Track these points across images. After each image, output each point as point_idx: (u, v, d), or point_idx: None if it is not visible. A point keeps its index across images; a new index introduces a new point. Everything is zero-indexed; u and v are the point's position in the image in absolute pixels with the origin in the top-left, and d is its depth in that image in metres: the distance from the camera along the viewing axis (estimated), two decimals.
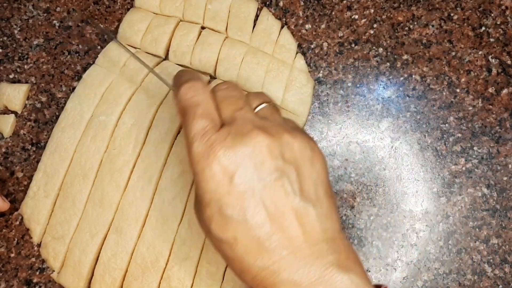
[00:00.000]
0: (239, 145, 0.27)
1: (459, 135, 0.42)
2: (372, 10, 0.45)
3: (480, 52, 0.43)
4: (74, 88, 0.44)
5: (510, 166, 0.41)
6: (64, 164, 0.42)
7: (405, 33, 0.44)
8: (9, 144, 0.44)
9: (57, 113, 0.44)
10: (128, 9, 0.46)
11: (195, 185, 0.28)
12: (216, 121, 0.29)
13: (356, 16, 0.45)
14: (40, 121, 0.44)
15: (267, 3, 0.45)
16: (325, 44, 0.44)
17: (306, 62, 0.44)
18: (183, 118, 0.29)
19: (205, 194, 0.27)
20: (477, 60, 0.43)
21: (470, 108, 0.43)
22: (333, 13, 0.45)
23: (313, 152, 0.29)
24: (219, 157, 0.26)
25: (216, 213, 0.27)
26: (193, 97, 0.29)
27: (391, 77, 0.43)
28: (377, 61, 0.44)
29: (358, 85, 0.43)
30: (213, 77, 0.44)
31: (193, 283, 0.39)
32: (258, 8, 0.45)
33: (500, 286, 0.39)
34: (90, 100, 0.43)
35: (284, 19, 0.45)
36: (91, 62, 0.45)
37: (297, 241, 0.26)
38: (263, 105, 0.31)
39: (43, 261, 0.41)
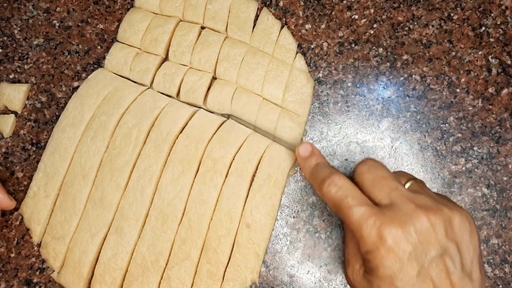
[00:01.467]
0: (408, 225, 0.29)
1: (459, 135, 0.42)
2: (372, 10, 0.45)
3: (480, 52, 0.43)
4: (74, 88, 0.44)
5: (510, 166, 0.41)
6: (64, 164, 0.42)
7: (405, 33, 0.44)
8: (9, 144, 0.44)
9: (57, 113, 0.44)
10: (128, 9, 0.46)
11: (358, 257, 0.32)
12: (371, 205, 0.31)
13: (356, 16, 0.45)
14: (40, 121, 0.44)
15: (267, 3, 0.45)
16: (325, 44, 0.44)
17: (306, 62, 0.44)
18: (340, 214, 0.32)
19: (378, 268, 0.29)
20: (477, 60, 0.43)
21: (470, 108, 0.42)
22: (333, 13, 0.45)
23: (471, 226, 0.31)
24: (392, 235, 0.29)
25: (387, 284, 0.29)
26: (338, 191, 0.32)
27: (391, 77, 0.43)
28: (377, 61, 0.44)
29: (358, 85, 0.43)
30: (214, 78, 0.44)
31: (193, 283, 0.39)
32: (258, 8, 0.45)
33: (500, 286, 0.39)
34: (92, 101, 0.43)
35: (284, 19, 0.45)
36: (91, 62, 0.45)
37: None
38: (410, 182, 0.34)
39: (43, 261, 0.41)
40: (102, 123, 0.42)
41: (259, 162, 0.41)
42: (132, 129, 0.41)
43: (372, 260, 0.30)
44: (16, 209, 0.42)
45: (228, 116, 0.42)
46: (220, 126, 0.42)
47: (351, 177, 0.34)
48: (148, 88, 0.44)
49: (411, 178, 0.34)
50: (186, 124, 0.42)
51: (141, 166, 0.41)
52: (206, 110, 0.43)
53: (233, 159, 0.41)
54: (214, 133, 0.41)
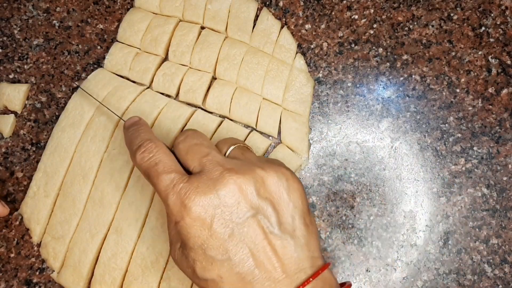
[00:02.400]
0: (213, 190, 0.28)
1: (459, 135, 0.42)
2: (372, 10, 0.45)
3: (480, 52, 0.43)
4: (74, 88, 0.44)
5: (510, 166, 0.41)
6: (64, 164, 0.42)
7: (405, 33, 0.44)
8: (9, 144, 0.44)
9: (57, 113, 0.44)
10: (128, 9, 0.46)
11: (175, 233, 0.30)
12: (181, 172, 0.30)
13: (356, 16, 0.45)
14: (40, 121, 0.44)
15: (267, 3, 0.45)
16: (325, 44, 0.44)
17: (306, 62, 0.44)
18: (150, 181, 0.31)
19: (188, 239, 0.28)
20: (477, 60, 0.43)
21: (470, 108, 0.43)
22: (333, 13, 0.45)
23: (288, 183, 0.30)
24: (196, 204, 0.28)
25: (200, 255, 0.28)
26: (150, 158, 0.31)
27: (391, 77, 0.43)
28: (377, 61, 0.44)
29: (358, 85, 0.43)
30: (214, 78, 0.44)
31: (193, 283, 0.39)
32: (258, 8, 0.45)
33: (500, 286, 0.39)
34: (92, 100, 0.43)
35: (284, 19, 0.45)
36: (91, 62, 0.45)
37: (277, 272, 0.28)
38: (232, 147, 0.33)
39: (43, 261, 0.41)
40: (102, 123, 0.42)
41: None
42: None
43: (181, 231, 0.28)
44: (16, 209, 0.42)
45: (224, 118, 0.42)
46: (219, 126, 0.42)
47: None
48: (147, 87, 0.44)
49: (233, 143, 0.33)
50: (186, 124, 0.42)
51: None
52: (205, 111, 0.43)
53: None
54: (214, 132, 0.41)
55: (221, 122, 0.42)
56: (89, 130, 0.42)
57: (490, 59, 0.43)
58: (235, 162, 0.30)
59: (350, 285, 0.32)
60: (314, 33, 0.45)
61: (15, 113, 0.44)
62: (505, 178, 0.41)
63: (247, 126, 0.42)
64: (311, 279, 0.28)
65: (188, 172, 0.31)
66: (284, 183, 0.30)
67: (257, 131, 0.42)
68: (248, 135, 0.42)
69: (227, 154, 0.32)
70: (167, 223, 0.31)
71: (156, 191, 0.30)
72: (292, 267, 0.28)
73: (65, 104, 0.44)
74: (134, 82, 0.44)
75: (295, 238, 0.29)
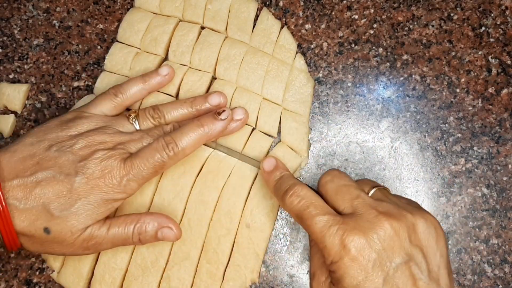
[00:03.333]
0: (371, 232, 0.29)
1: (459, 135, 0.42)
2: (372, 10, 0.45)
3: (480, 52, 0.43)
4: (74, 88, 0.44)
5: (510, 166, 0.41)
6: None
7: (405, 33, 0.44)
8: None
9: (57, 113, 0.44)
10: (128, 9, 0.46)
11: (324, 269, 0.31)
12: (334, 214, 0.31)
13: (356, 16, 0.45)
14: (40, 121, 0.44)
15: (267, 3, 0.45)
16: (325, 44, 0.44)
17: (306, 62, 0.44)
18: (303, 223, 0.32)
19: (344, 279, 0.29)
20: (477, 60, 0.43)
21: (470, 108, 0.43)
22: (333, 13, 0.45)
23: (436, 231, 0.31)
24: (356, 245, 0.29)
25: None
26: (300, 202, 0.32)
27: (391, 77, 0.43)
28: (377, 61, 0.44)
29: (358, 85, 0.43)
30: (213, 78, 0.44)
31: (193, 283, 0.39)
32: (258, 8, 0.45)
33: (500, 286, 0.39)
34: None
35: (284, 19, 0.45)
36: (91, 62, 0.45)
37: None
38: (374, 189, 0.34)
39: (43, 261, 0.41)
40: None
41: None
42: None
43: (337, 270, 0.29)
44: None
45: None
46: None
47: (318, 190, 0.34)
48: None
49: (374, 185, 0.34)
50: None
51: None
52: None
53: (237, 161, 0.41)
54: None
55: None
56: None
57: (490, 59, 0.43)
58: (386, 206, 0.31)
59: None
60: (314, 33, 0.45)
61: (15, 113, 0.44)
62: (505, 178, 0.41)
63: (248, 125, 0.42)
64: None
65: (337, 213, 0.31)
66: (432, 231, 0.30)
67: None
68: (250, 133, 0.42)
69: (370, 195, 0.33)
70: (312, 254, 0.33)
71: (310, 233, 0.31)
72: None
73: (65, 104, 0.44)
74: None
75: (440, 287, 0.30)
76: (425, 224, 0.30)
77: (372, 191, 0.33)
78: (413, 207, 0.32)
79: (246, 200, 0.40)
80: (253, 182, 0.40)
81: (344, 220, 0.30)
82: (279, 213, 0.41)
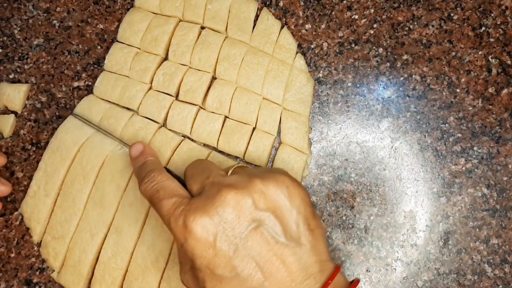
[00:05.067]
0: (211, 208, 0.28)
1: (459, 135, 0.42)
2: (372, 10, 0.45)
3: (480, 52, 0.43)
4: (74, 88, 0.44)
5: (510, 166, 0.41)
6: (65, 164, 0.42)
7: (405, 33, 0.44)
8: (9, 144, 0.44)
9: (57, 113, 0.44)
10: (128, 9, 0.46)
11: (183, 255, 0.30)
12: (182, 196, 0.30)
13: (356, 16, 0.45)
14: (40, 121, 0.44)
15: (267, 3, 0.45)
16: (325, 44, 0.44)
17: (306, 62, 0.44)
18: (154, 208, 0.31)
19: (194, 260, 0.28)
20: (477, 60, 0.43)
21: (470, 108, 0.42)
22: (333, 13, 0.45)
23: (289, 189, 0.30)
24: (197, 224, 0.28)
25: (208, 275, 0.28)
26: (152, 186, 0.32)
27: (391, 77, 0.43)
28: (377, 61, 0.44)
29: (358, 85, 0.43)
30: (214, 78, 0.44)
31: None
32: (258, 8, 0.45)
33: (500, 286, 0.39)
34: (101, 106, 0.43)
35: (284, 19, 0.45)
36: (91, 62, 0.45)
37: (286, 282, 0.28)
38: (233, 167, 0.33)
39: (43, 261, 0.41)
40: (111, 125, 0.42)
41: (268, 162, 0.41)
42: (139, 131, 0.42)
43: (186, 253, 0.29)
44: (16, 208, 0.42)
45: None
46: (223, 124, 0.42)
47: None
48: (150, 87, 0.44)
49: (235, 165, 0.34)
50: (193, 123, 0.42)
51: None
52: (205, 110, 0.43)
53: (239, 162, 0.41)
54: (220, 132, 0.41)
55: (224, 120, 0.42)
56: (96, 133, 0.42)
57: (490, 59, 0.43)
58: (233, 178, 0.30)
59: (359, 281, 0.31)
60: (314, 33, 0.45)
61: (15, 113, 0.44)
62: (505, 178, 0.41)
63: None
64: None
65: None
66: (284, 190, 0.30)
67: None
68: (252, 132, 0.42)
69: (229, 173, 0.33)
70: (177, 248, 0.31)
71: (160, 217, 0.31)
72: (300, 274, 0.28)
73: (65, 104, 0.44)
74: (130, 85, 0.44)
75: (301, 245, 0.29)
76: (275, 185, 0.29)
77: (230, 170, 0.33)
78: (269, 173, 0.31)
79: None
80: None
81: (190, 201, 0.29)
82: None
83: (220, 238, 0.28)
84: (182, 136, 0.43)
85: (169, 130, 0.42)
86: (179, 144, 0.42)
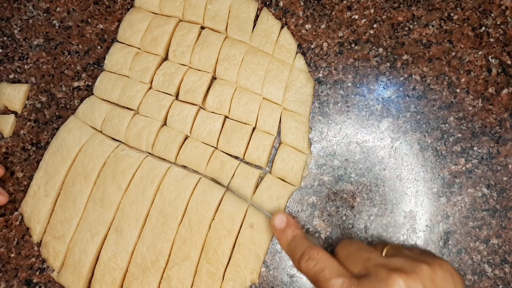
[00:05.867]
0: None
1: (459, 135, 0.42)
2: (372, 10, 0.45)
3: (480, 52, 0.43)
4: (74, 88, 0.44)
5: (510, 166, 0.41)
6: (65, 164, 0.42)
7: (405, 33, 0.44)
8: (9, 144, 0.44)
9: (57, 113, 0.44)
10: (128, 9, 0.46)
11: None
12: (349, 276, 0.31)
13: (356, 16, 0.45)
14: (40, 121, 0.44)
15: (267, 3, 0.45)
16: (325, 44, 0.44)
17: (306, 62, 0.44)
18: (317, 285, 0.32)
19: None
20: (477, 60, 0.43)
21: (470, 108, 0.42)
22: (333, 13, 0.45)
23: (453, 277, 0.31)
24: None
25: None
26: (315, 265, 0.32)
27: (391, 77, 0.43)
28: (377, 61, 0.44)
29: (358, 85, 0.43)
30: (213, 78, 0.44)
31: (193, 283, 0.39)
32: (258, 8, 0.45)
33: (500, 286, 0.39)
34: (102, 107, 0.43)
35: (284, 19, 0.45)
36: (91, 62, 0.45)
37: None
38: (386, 248, 0.34)
39: (43, 261, 0.41)
40: (115, 127, 0.42)
41: (268, 162, 0.41)
42: (142, 131, 0.42)
43: None
44: (16, 208, 0.42)
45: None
46: (223, 124, 0.42)
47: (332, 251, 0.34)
48: (150, 87, 0.44)
49: (386, 244, 0.35)
50: (193, 123, 0.42)
51: (146, 167, 0.41)
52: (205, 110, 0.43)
53: (240, 161, 0.41)
54: (220, 132, 0.41)
55: (224, 120, 0.42)
56: (98, 134, 0.42)
57: (490, 59, 0.43)
58: (397, 261, 0.31)
59: None
60: (314, 33, 0.45)
61: (15, 113, 0.44)
62: (505, 178, 0.41)
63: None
64: None
65: None
66: (449, 278, 0.31)
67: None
68: (252, 132, 0.42)
69: (383, 254, 0.33)
70: None
71: None
72: None
73: (65, 104, 0.44)
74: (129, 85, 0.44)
75: None
76: (441, 272, 0.30)
77: (384, 250, 0.34)
78: (428, 256, 0.32)
79: (252, 198, 0.40)
80: (257, 183, 0.41)
81: (359, 281, 0.30)
82: None
83: None
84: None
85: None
86: (184, 141, 0.42)
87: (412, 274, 0.30)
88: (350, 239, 0.35)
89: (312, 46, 0.44)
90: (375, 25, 0.44)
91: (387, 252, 0.34)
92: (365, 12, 0.45)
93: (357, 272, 0.31)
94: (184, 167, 0.42)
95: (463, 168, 0.41)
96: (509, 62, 0.43)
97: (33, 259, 0.41)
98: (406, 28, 0.44)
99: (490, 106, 0.42)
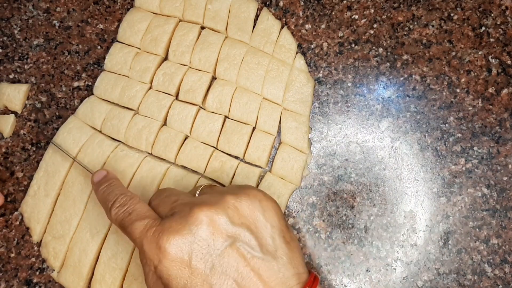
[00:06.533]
0: (185, 227, 0.28)
1: (459, 135, 0.42)
2: (372, 10, 0.45)
3: (480, 52, 0.43)
4: (74, 88, 0.44)
5: (510, 166, 0.41)
6: (66, 164, 0.42)
7: (405, 33, 0.44)
8: (9, 144, 0.44)
9: (57, 113, 0.44)
10: (128, 9, 0.46)
11: (155, 279, 0.29)
12: (154, 217, 0.30)
13: (356, 16, 0.45)
14: (40, 121, 0.44)
15: (267, 3, 0.45)
16: (325, 44, 0.44)
17: (306, 62, 0.44)
18: (125, 232, 0.30)
19: (170, 282, 0.28)
20: (477, 60, 0.43)
21: (470, 108, 0.43)
22: (333, 13, 0.45)
23: (261, 204, 0.30)
24: (171, 243, 0.28)
25: None
26: (124, 210, 0.31)
27: (391, 77, 0.43)
28: (377, 61, 0.44)
29: (358, 85, 0.43)
30: (213, 78, 0.44)
31: None
32: (258, 8, 0.45)
33: (500, 286, 0.39)
34: (102, 107, 0.43)
35: (284, 19, 0.45)
36: (91, 62, 0.45)
37: None
38: (200, 188, 0.33)
39: (43, 261, 0.41)
40: (114, 127, 0.42)
41: (268, 161, 0.41)
42: (141, 131, 0.42)
43: (161, 275, 0.28)
44: (16, 208, 0.42)
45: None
46: (223, 124, 0.42)
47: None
48: (150, 87, 0.44)
49: (202, 186, 0.34)
50: (193, 124, 0.42)
51: (146, 167, 0.41)
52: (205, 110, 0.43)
53: (239, 161, 0.41)
54: (220, 132, 0.41)
55: (224, 120, 0.42)
56: (97, 134, 0.42)
57: (490, 59, 0.43)
58: (204, 197, 0.30)
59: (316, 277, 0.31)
60: (314, 33, 0.45)
61: (15, 113, 0.44)
62: (505, 178, 0.41)
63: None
64: None
65: None
66: (257, 205, 0.30)
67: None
68: (252, 132, 0.42)
69: (197, 194, 0.33)
70: (144, 273, 0.30)
71: (132, 241, 0.30)
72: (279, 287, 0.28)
73: (66, 104, 0.44)
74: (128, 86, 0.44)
75: (278, 258, 0.29)
76: (248, 200, 0.29)
77: (198, 191, 0.33)
78: (240, 189, 0.31)
79: None
80: (258, 182, 0.41)
81: (162, 221, 0.29)
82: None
83: (196, 256, 0.28)
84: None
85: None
86: (183, 141, 0.42)
87: (213, 205, 0.29)
88: (165, 188, 0.34)
89: (312, 46, 0.44)
90: (375, 25, 0.44)
91: (201, 192, 0.33)
92: (365, 12, 0.45)
93: (165, 214, 0.30)
94: (184, 167, 0.42)
95: (463, 168, 0.41)
96: (509, 62, 0.43)
97: (33, 259, 0.41)
98: (406, 28, 0.44)
99: (490, 106, 0.42)
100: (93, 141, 0.42)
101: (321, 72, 0.44)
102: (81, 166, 0.41)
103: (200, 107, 0.43)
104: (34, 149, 0.43)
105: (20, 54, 0.45)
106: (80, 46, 0.45)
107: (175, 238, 0.28)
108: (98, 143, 0.42)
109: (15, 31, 0.46)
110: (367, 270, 0.40)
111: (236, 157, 0.42)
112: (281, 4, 0.45)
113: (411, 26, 0.44)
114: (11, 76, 0.45)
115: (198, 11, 0.44)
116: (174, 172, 0.41)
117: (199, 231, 0.28)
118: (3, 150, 0.43)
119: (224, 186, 0.34)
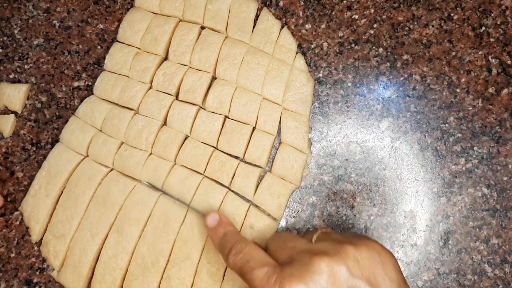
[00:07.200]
0: (306, 275, 0.28)
1: (459, 135, 0.42)
2: (372, 10, 0.45)
3: (480, 52, 0.43)
4: (74, 88, 0.44)
5: (510, 166, 0.41)
6: (69, 166, 0.42)
7: (405, 33, 0.44)
8: (9, 144, 0.44)
9: (57, 113, 0.44)
10: (128, 9, 0.46)
11: None
12: (273, 264, 0.30)
13: (356, 16, 0.45)
14: (40, 121, 0.44)
15: (267, 3, 0.45)
16: (325, 44, 0.44)
17: (306, 62, 0.44)
18: (245, 279, 0.31)
19: None
20: (477, 60, 0.43)
21: (470, 108, 0.43)
22: (333, 13, 0.45)
23: (381, 256, 0.30)
24: None
25: None
26: (241, 257, 0.32)
27: (391, 77, 0.43)
28: (377, 61, 0.44)
29: (358, 85, 0.43)
30: (213, 77, 0.44)
31: (193, 283, 0.39)
32: (258, 8, 0.45)
33: (500, 286, 0.39)
34: (103, 106, 0.43)
35: (284, 19, 0.45)
36: (91, 62, 0.45)
37: None
38: (317, 234, 0.33)
39: (43, 261, 0.41)
40: (114, 126, 0.42)
41: (268, 161, 0.41)
42: (142, 130, 0.42)
43: None
44: (16, 208, 0.42)
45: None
46: (223, 124, 0.42)
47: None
48: (150, 87, 0.44)
49: (318, 231, 0.34)
50: (193, 122, 0.42)
51: (151, 166, 0.41)
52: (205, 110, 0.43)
53: (240, 161, 0.41)
54: (220, 132, 0.41)
55: (224, 120, 0.42)
56: (100, 134, 0.42)
57: (490, 59, 0.43)
58: (322, 245, 0.31)
59: None
60: (314, 33, 0.45)
61: (15, 113, 0.44)
62: (505, 178, 0.41)
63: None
64: None
65: None
66: (376, 257, 0.30)
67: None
68: (252, 132, 0.42)
69: (313, 240, 0.33)
70: None
71: (252, 287, 0.30)
72: None
73: (65, 104, 0.44)
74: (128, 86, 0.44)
75: None
76: (367, 252, 0.30)
77: (314, 237, 0.33)
78: (357, 238, 0.31)
79: (253, 198, 0.40)
80: (258, 183, 0.41)
81: (283, 269, 0.29)
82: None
83: None
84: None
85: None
86: (183, 141, 0.42)
87: (334, 256, 0.29)
88: (280, 232, 0.34)
89: (312, 46, 0.44)
90: (375, 25, 0.44)
91: (317, 238, 0.33)
92: (365, 12, 0.45)
93: (283, 261, 0.31)
94: (184, 167, 0.42)
95: (463, 168, 0.41)
96: (509, 62, 0.43)
97: (33, 259, 0.41)
98: (406, 28, 0.44)
99: (490, 106, 0.42)
100: (97, 140, 0.42)
101: (321, 72, 0.44)
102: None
103: (200, 107, 0.43)
104: (34, 149, 0.43)
105: (20, 54, 0.45)
106: (80, 46, 0.45)
107: (297, 286, 0.28)
108: (103, 142, 0.42)
109: (15, 31, 0.46)
110: None
111: (236, 157, 0.42)
112: (281, 4, 0.45)
113: (411, 26, 0.44)
114: (11, 76, 0.45)
115: (198, 11, 0.44)
116: (179, 171, 0.41)
117: (321, 280, 0.28)
118: (3, 150, 0.43)
119: (333, 232, 0.35)
